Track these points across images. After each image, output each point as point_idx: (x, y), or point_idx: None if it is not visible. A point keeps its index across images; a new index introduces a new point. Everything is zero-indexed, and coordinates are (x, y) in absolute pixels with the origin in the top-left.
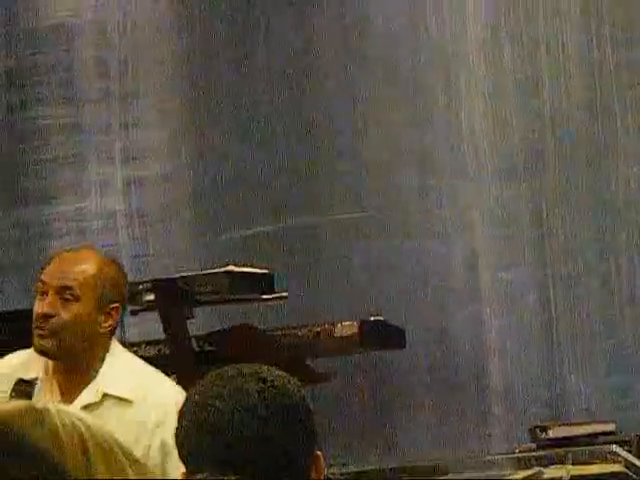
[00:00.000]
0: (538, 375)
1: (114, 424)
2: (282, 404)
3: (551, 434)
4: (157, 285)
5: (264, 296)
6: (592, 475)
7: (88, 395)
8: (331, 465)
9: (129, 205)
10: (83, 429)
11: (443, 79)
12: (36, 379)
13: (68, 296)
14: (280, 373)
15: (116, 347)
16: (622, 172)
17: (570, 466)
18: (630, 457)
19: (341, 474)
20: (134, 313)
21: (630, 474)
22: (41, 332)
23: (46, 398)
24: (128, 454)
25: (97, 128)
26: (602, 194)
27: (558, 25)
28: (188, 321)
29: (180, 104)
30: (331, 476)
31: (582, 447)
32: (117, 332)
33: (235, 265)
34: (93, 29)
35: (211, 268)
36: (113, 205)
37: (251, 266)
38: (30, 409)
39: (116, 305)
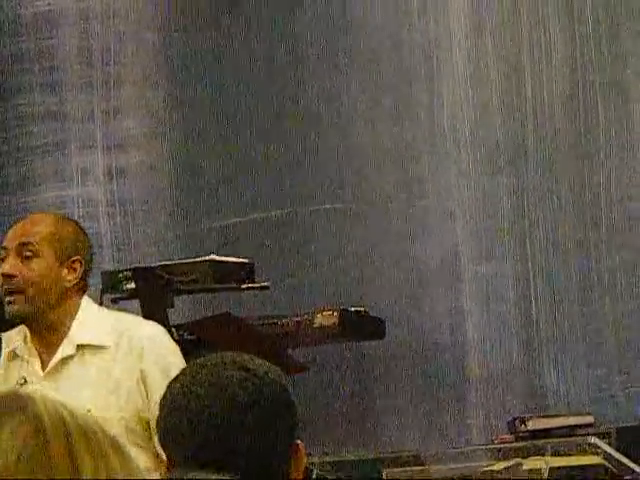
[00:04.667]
0: (517, 367)
1: (94, 372)
2: (263, 393)
3: (530, 426)
4: (138, 273)
5: (245, 285)
6: (571, 467)
7: (64, 350)
8: (311, 454)
9: (111, 193)
10: (66, 416)
11: (425, 72)
12: None
13: (28, 253)
14: (262, 362)
15: (87, 304)
16: (604, 165)
17: (549, 457)
18: (609, 449)
19: (321, 463)
20: (115, 301)
21: (608, 466)
22: (9, 298)
23: (24, 365)
24: (112, 441)
25: (79, 116)
26: (584, 187)
27: (541, 18)
28: (169, 310)
29: (162, 93)
30: (311, 465)
31: (561, 439)
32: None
33: (217, 254)
34: (76, 17)
35: (193, 257)
36: (95, 193)
37: (233, 256)
38: (13, 396)
39: (77, 258)
